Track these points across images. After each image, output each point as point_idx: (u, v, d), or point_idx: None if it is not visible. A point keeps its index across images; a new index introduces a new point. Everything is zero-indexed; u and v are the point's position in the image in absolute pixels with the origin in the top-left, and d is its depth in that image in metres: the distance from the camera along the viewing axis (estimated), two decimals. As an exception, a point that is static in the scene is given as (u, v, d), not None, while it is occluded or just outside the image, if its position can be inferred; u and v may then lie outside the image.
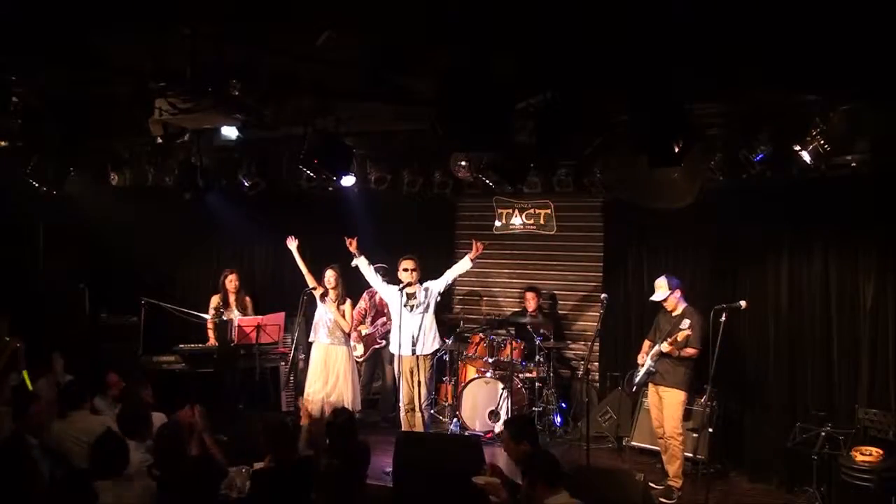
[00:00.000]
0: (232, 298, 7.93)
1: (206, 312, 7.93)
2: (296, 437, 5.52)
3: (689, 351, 6.11)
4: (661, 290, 6.33)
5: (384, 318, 8.06)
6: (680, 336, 6.04)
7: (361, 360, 7.93)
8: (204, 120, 5.74)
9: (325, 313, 7.07)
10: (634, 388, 6.65)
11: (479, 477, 4.50)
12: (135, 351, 7.83)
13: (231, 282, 7.93)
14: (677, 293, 6.31)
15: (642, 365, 6.41)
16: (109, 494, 3.83)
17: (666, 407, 6.27)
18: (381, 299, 8.04)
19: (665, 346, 6.14)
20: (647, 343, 6.55)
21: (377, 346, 8.13)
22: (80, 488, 3.67)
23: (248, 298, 8.06)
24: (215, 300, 7.96)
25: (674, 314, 6.31)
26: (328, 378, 6.96)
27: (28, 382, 5.78)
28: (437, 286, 7.11)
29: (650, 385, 6.47)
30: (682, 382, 6.19)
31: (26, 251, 8.73)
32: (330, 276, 7.09)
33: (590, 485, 4.52)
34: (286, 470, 4.45)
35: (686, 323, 6.14)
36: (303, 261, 7.31)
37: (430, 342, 7.01)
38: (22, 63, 5.09)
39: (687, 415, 6.66)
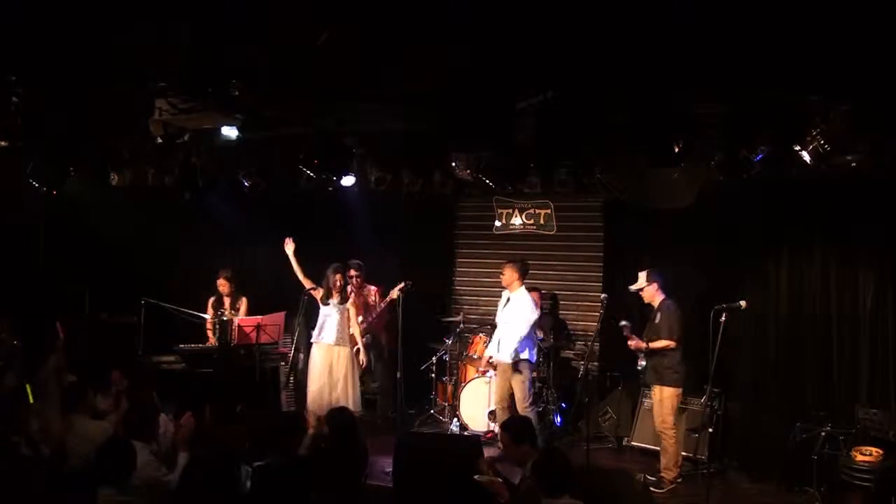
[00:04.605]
0: (227, 301, 7.94)
1: (205, 312, 7.93)
2: (298, 437, 5.52)
3: (660, 343, 6.24)
4: (640, 281, 6.49)
5: (360, 318, 7.93)
6: (655, 318, 6.28)
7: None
8: (204, 120, 5.75)
9: (331, 314, 7.03)
10: (645, 388, 6.83)
11: (482, 476, 4.50)
12: (135, 351, 7.83)
13: (222, 285, 7.93)
14: (653, 286, 6.42)
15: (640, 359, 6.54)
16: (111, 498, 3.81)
17: (657, 403, 6.39)
18: (374, 300, 7.98)
19: (631, 344, 6.40)
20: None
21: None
22: (80, 489, 3.66)
23: (244, 299, 8.04)
24: (211, 301, 7.97)
25: (654, 307, 6.44)
26: (330, 378, 6.94)
27: (30, 395, 5.75)
28: (522, 303, 6.88)
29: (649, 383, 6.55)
30: (668, 378, 6.28)
31: (26, 251, 8.73)
32: (337, 278, 7.05)
33: (590, 485, 4.52)
34: (287, 469, 4.45)
35: (658, 316, 6.34)
36: (299, 265, 7.27)
37: (504, 351, 6.85)
38: (22, 63, 5.09)
39: (687, 415, 6.69)
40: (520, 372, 6.79)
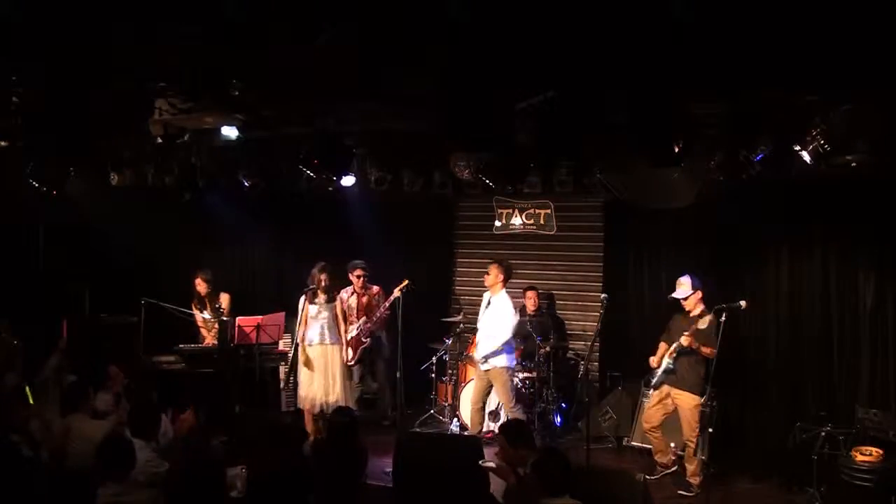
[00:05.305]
0: (207, 302, 7.97)
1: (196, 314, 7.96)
2: (299, 438, 5.51)
3: (706, 350, 6.03)
4: (683, 287, 6.29)
5: (364, 318, 7.91)
6: (700, 324, 6.00)
7: (353, 363, 7.80)
8: (204, 120, 5.75)
9: (320, 313, 7.02)
10: (652, 389, 6.59)
11: (486, 462, 4.50)
12: (135, 351, 7.84)
13: (200, 285, 7.96)
14: (699, 294, 6.25)
15: (658, 366, 6.35)
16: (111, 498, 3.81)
17: (682, 412, 6.25)
18: (359, 302, 7.92)
19: (684, 340, 6.10)
20: (662, 346, 6.44)
21: (364, 346, 8.06)
22: (79, 488, 3.66)
23: (224, 295, 8.05)
24: (193, 303, 7.98)
25: (692, 314, 6.25)
26: (325, 378, 6.94)
27: (30, 396, 5.76)
28: (503, 308, 6.84)
29: (662, 385, 6.41)
30: (697, 386, 6.14)
31: (26, 251, 8.73)
32: (323, 277, 7.04)
33: (590, 485, 4.52)
34: (286, 470, 4.44)
35: (706, 324, 6.08)
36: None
37: (484, 356, 6.82)
38: (22, 63, 5.09)
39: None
40: (499, 378, 6.79)
